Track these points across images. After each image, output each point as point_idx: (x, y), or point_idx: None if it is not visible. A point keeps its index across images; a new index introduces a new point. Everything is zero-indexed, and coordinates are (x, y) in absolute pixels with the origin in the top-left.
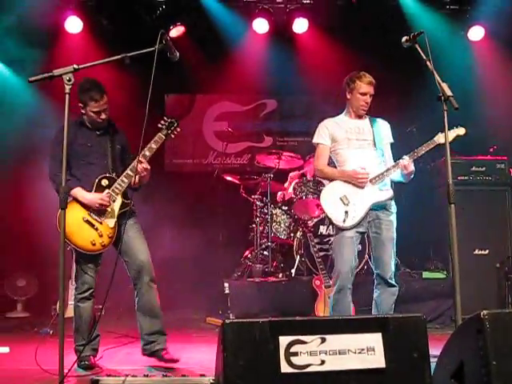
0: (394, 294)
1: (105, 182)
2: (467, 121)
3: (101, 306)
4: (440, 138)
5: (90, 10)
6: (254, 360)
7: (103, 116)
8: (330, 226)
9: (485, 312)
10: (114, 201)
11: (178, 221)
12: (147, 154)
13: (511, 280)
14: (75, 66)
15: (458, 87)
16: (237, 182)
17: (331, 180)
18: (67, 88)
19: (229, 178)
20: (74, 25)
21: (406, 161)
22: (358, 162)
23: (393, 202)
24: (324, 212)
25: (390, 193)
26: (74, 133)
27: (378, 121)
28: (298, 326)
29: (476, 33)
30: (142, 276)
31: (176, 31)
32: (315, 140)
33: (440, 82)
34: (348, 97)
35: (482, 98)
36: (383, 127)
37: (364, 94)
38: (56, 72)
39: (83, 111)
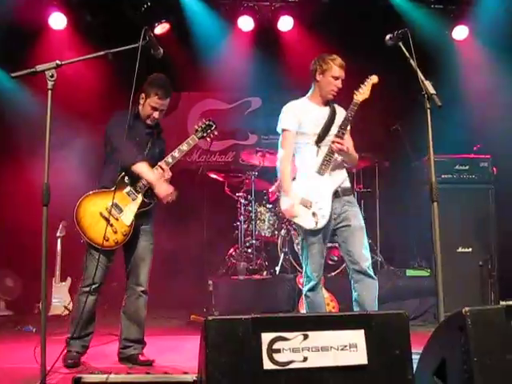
0: (376, 288)
1: (127, 179)
2: (451, 119)
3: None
4: (359, 96)
5: (73, 6)
6: (237, 357)
7: (157, 115)
8: None
9: (467, 309)
10: (133, 199)
11: (162, 218)
12: (176, 155)
13: (494, 278)
14: (58, 62)
15: (442, 86)
16: (221, 179)
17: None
18: (50, 84)
19: (213, 176)
20: (57, 21)
21: (336, 143)
22: (316, 161)
23: (353, 197)
24: (293, 223)
25: (344, 174)
26: (130, 123)
27: (337, 109)
28: (280, 322)
29: (460, 32)
30: (137, 285)
31: (161, 28)
32: (281, 125)
33: (423, 79)
34: (318, 79)
35: (466, 97)
36: (342, 116)
37: (336, 78)
38: (38, 68)
39: (141, 101)
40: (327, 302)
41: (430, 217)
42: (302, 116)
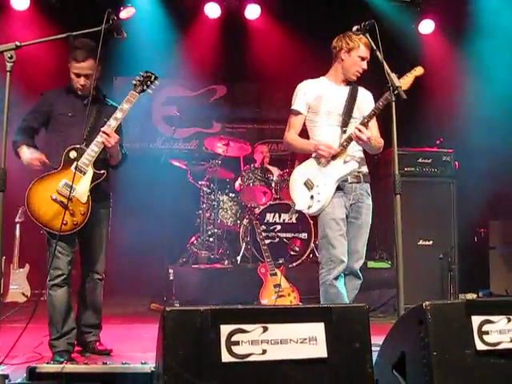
0: (358, 288)
1: (73, 154)
2: (415, 113)
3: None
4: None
5: None
6: (195, 349)
7: (82, 81)
8: (277, 215)
9: (427, 303)
10: (84, 173)
11: (123, 205)
12: (118, 116)
13: (453, 271)
14: (17, 43)
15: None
16: (184, 167)
17: (298, 155)
18: (8, 66)
19: (176, 164)
20: (20, 1)
21: (357, 129)
22: (334, 136)
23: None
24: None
25: (353, 164)
26: (54, 100)
27: (360, 91)
28: (239, 314)
29: (427, 26)
30: (94, 272)
31: (126, 12)
32: (293, 103)
33: (389, 72)
34: (342, 57)
35: (430, 90)
36: (365, 99)
37: (363, 59)
38: None
39: (70, 73)
40: (288, 293)
41: (392, 209)
42: (318, 95)
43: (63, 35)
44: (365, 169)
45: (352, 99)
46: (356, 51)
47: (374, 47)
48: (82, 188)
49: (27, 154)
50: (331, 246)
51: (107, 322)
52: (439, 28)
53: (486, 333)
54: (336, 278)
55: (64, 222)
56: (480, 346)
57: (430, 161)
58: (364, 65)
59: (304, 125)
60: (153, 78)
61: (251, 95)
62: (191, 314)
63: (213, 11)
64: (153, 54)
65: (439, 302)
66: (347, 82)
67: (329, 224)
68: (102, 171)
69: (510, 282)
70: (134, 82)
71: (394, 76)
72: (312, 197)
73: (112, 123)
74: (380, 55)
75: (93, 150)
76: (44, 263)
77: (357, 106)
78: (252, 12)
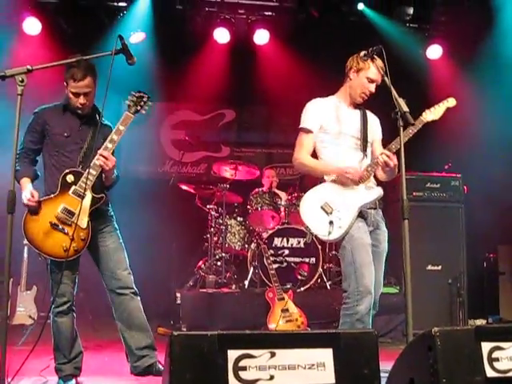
0: (372, 317)
1: (70, 178)
2: (423, 137)
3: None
4: (428, 115)
5: (49, 11)
6: (202, 374)
7: (82, 100)
8: (284, 239)
9: (436, 329)
10: (82, 197)
11: (131, 228)
12: (115, 138)
13: (463, 296)
14: (29, 67)
15: (415, 104)
16: (192, 191)
17: (312, 176)
18: (19, 89)
19: (184, 187)
20: (32, 26)
21: (385, 156)
22: (354, 160)
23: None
24: (306, 227)
25: (379, 190)
26: (49, 119)
27: (369, 115)
28: (247, 339)
29: (434, 51)
30: (122, 288)
31: (136, 37)
32: (303, 122)
33: (397, 97)
34: (351, 77)
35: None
36: (374, 123)
37: (372, 81)
38: (8, 72)
39: (66, 92)
40: (296, 318)
41: (400, 234)
42: (330, 114)
43: (74, 59)
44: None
45: (365, 122)
46: (365, 72)
47: (382, 72)
48: (82, 213)
49: (25, 192)
50: (361, 274)
51: (115, 346)
52: (447, 53)
53: (496, 359)
54: (367, 312)
55: (65, 249)
56: (490, 373)
57: (438, 185)
58: (372, 87)
59: None
60: (146, 98)
61: (259, 119)
62: (198, 338)
63: (222, 36)
64: (162, 79)
65: (448, 328)
66: (355, 105)
67: (358, 249)
68: (101, 195)
69: None
70: (128, 102)
71: (401, 101)
72: (331, 222)
73: (109, 145)
74: (387, 80)
75: (91, 174)
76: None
77: (369, 131)
78: (261, 37)
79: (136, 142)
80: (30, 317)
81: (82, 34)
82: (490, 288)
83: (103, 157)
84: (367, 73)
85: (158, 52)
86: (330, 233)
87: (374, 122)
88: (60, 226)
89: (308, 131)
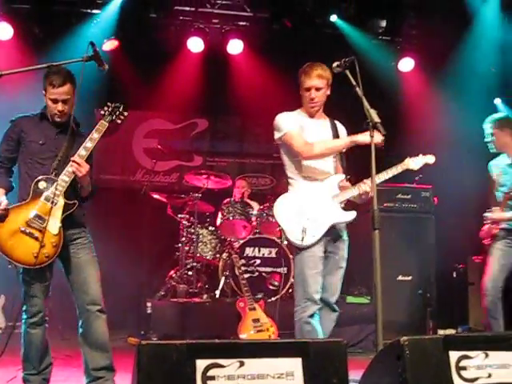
0: (335, 321)
1: (42, 185)
2: (394, 148)
3: (19, 324)
4: (410, 164)
5: (21, 17)
6: (170, 383)
7: (60, 107)
8: (256, 249)
9: (404, 338)
10: (55, 204)
11: (102, 237)
12: (88, 145)
13: (432, 306)
14: None
15: (386, 115)
16: (164, 200)
17: (284, 186)
18: None
19: (156, 196)
20: (3, 31)
21: (368, 186)
22: (333, 176)
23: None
24: (281, 229)
25: (354, 213)
26: (25, 127)
27: (337, 124)
28: (215, 349)
29: (406, 64)
30: (91, 304)
31: (110, 45)
32: (284, 128)
33: (368, 108)
34: (301, 93)
35: (409, 126)
36: (342, 132)
37: (308, 90)
38: None
39: (44, 99)
40: (267, 327)
41: (371, 244)
42: (301, 126)
43: (45, 65)
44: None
45: (336, 134)
46: (302, 85)
47: (354, 83)
48: (53, 219)
49: None
50: (308, 284)
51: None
52: (418, 66)
53: (464, 368)
54: (311, 316)
55: (35, 255)
56: (458, 382)
57: (409, 196)
58: (311, 94)
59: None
60: (121, 108)
61: (232, 129)
62: (167, 347)
63: (196, 45)
64: (135, 87)
65: (417, 337)
66: (319, 116)
67: (308, 261)
68: (73, 201)
69: None
70: (103, 112)
71: (373, 112)
72: (305, 229)
73: (82, 152)
74: (359, 91)
75: (63, 180)
76: (20, 295)
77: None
78: (234, 47)
79: (108, 150)
80: None
81: (53, 40)
82: (460, 298)
83: (76, 163)
84: (303, 84)
85: (131, 60)
86: (303, 238)
87: (341, 131)
88: (30, 232)
89: (294, 129)
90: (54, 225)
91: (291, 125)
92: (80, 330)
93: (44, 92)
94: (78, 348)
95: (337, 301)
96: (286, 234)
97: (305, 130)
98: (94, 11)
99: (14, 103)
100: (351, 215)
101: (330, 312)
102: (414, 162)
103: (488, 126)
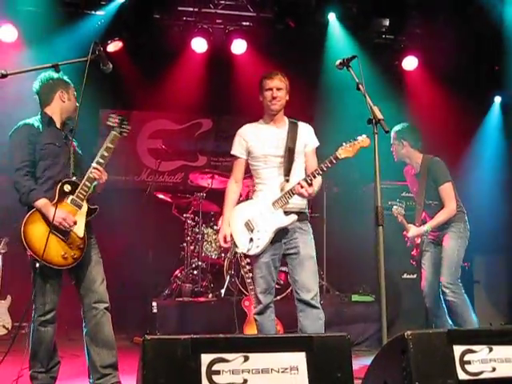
0: (320, 318)
1: (67, 188)
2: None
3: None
4: (342, 153)
5: (25, 19)
6: (175, 378)
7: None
8: None
9: (409, 332)
10: (80, 207)
11: (108, 237)
12: (106, 154)
13: None
14: (3, 72)
15: (390, 113)
16: (169, 200)
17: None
18: None
19: (161, 196)
20: (7, 33)
21: (301, 186)
22: (276, 182)
23: (308, 224)
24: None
25: (294, 217)
26: (38, 131)
27: (298, 126)
28: (220, 343)
29: (410, 63)
30: (99, 302)
31: (113, 46)
32: (232, 151)
33: (371, 105)
34: (261, 99)
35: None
36: (303, 133)
37: (269, 89)
38: None
39: (64, 99)
40: None
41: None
42: (255, 138)
43: (49, 64)
44: (300, 207)
45: (292, 139)
46: (263, 88)
47: (357, 80)
48: (79, 222)
49: (61, 213)
50: (257, 285)
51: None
52: (422, 65)
53: (468, 362)
54: (258, 313)
55: (64, 257)
56: (462, 376)
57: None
58: (274, 93)
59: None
60: (126, 122)
61: (236, 129)
62: (171, 342)
63: (199, 46)
64: (139, 88)
65: (421, 331)
66: (279, 121)
67: (255, 267)
68: (96, 206)
69: (495, 315)
70: (111, 124)
71: (376, 109)
72: (251, 239)
73: (101, 161)
74: (362, 88)
75: (86, 185)
76: (26, 296)
77: (300, 142)
78: (238, 47)
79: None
80: (4, 327)
81: (57, 42)
82: None
83: (98, 170)
84: (264, 87)
85: (135, 61)
86: (249, 249)
87: (304, 132)
88: (60, 234)
89: (236, 157)
90: (80, 228)
91: (239, 151)
92: (85, 329)
93: (63, 91)
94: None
95: (315, 297)
96: (236, 243)
97: (259, 141)
98: (98, 12)
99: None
100: (291, 218)
101: (311, 310)
102: (344, 150)
103: (392, 136)
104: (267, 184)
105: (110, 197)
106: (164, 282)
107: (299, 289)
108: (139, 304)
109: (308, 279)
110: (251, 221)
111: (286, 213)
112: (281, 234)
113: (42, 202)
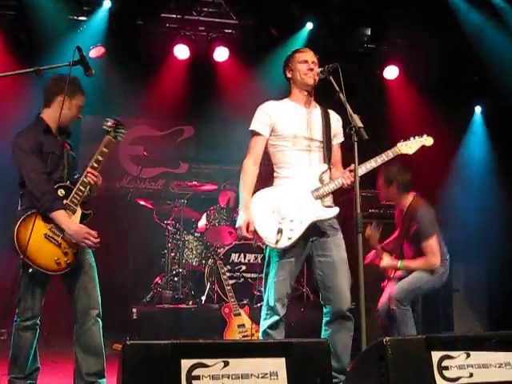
0: (351, 330)
1: (61, 192)
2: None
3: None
4: (401, 148)
5: (7, 23)
6: (155, 383)
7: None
8: (242, 255)
9: (387, 338)
10: (73, 212)
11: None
12: (100, 158)
13: (417, 312)
14: None
15: (370, 121)
16: (150, 206)
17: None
18: None
19: (142, 203)
20: None
21: (348, 178)
22: (303, 167)
23: (337, 222)
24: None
25: (336, 210)
26: (42, 139)
27: (330, 113)
28: (200, 348)
29: (391, 72)
30: (91, 308)
31: (96, 52)
32: (251, 127)
33: (351, 113)
34: (289, 75)
35: (394, 134)
36: (334, 122)
37: (305, 62)
38: None
39: (66, 105)
40: (252, 333)
41: (356, 249)
42: (281, 115)
43: (31, 69)
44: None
45: (327, 125)
46: (297, 60)
47: (337, 89)
48: None
49: (82, 227)
50: (273, 289)
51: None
52: (403, 73)
53: (446, 368)
54: (271, 327)
55: (58, 261)
56: (440, 382)
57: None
58: (310, 65)
59: (265, 165)
60: (122, 126)
61: (218, 136)
62: (151, 347)
63: (182, 52)
64: (121, 93)
65: (399, 337)
66: (309, 101)
67: (276, 267)
68: (89, 211)
69: (474, 323)
70: (107, 128)
71: (356, 117)
72: (280, 230)
73: (95, 165)
74: (343, 96)
75: (80, 190)
76: (3, 302)
77: (333, 129)
78: (220, 54)
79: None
80: None
81: (40, 47)
82: (444, 304)
83: (93, 174)
84: (298, 59)
85: (117, 66)
86: (277, 241)
87: (334, 121)
88: (53, 238)
89: (257, 134)
90: None
91: (262, 127)
92: (76, 335)
93: (68, 97)
94: (64, 355)
95: (350, 308)
96: (260, 235)
97: (288, 119)
98: (81, 18)
99: None
100: (333, 211)
101: (344, 323)
102: (407, 146)
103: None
104: (296, 170)
105: (91, 203)
106: (144, 288)
107: (335, 298)
108: (119, 310)
109: (346, 287)
110: (281, 209)
111: (326, 206)
112: (311, 231)
113: (63, 213)
